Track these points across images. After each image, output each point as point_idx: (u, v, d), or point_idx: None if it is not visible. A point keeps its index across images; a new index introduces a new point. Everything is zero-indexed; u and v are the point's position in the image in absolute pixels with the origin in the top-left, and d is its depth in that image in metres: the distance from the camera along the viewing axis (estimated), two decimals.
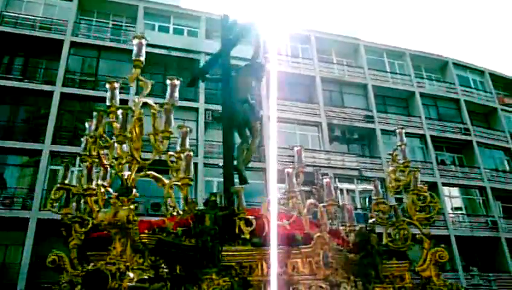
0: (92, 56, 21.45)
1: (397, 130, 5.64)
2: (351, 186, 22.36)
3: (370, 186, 23.61)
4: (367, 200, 21.55)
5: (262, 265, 4.07)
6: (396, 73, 27.07)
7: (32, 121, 19.55)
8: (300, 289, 3.84)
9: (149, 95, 18.25)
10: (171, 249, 3.79)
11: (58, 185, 4.73)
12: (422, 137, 25.17)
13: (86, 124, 4.99)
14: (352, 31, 27.30)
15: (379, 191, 5.15)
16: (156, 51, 21.61)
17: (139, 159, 3.96)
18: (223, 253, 3.93)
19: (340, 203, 5.37)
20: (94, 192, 4.14)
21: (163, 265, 3.63)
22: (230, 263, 3.93)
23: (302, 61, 24.79)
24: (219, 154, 21.07)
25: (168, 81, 4.51)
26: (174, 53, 21.95)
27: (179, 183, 4.22)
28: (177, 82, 4.57)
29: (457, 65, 28.99)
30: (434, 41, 66.30)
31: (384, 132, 24.20)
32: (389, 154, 5.51)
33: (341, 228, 4.95)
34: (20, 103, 19.69)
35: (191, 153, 4.63)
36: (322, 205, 4.57)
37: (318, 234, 4.10)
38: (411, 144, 25.34)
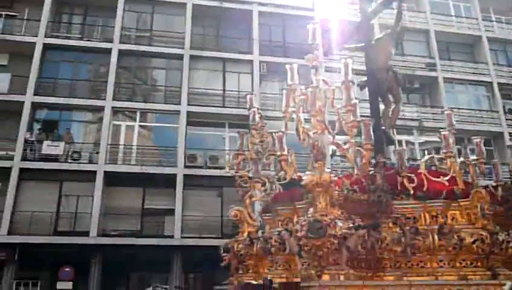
0: (146, 12, 21.60)
1: None
2: (410, 138, 21.65)
3: (431, 138, 22.64)
4: (426, 152, 20.82)
5: (425, 216, 4.72)
6: (461, 17, 25.22)
7: (93, 78, 20.29)
8: (464, 236, 4.35)
9: (203, 49, 17.97)
10: (352, 203, 4.62)
11: (236, 152, 5.76)
12: (488, 85, 23.63)
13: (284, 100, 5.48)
14: None
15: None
16: (208, 3, 21.43)
17: (328, 129, 4.67)
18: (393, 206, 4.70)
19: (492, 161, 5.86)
20: (286, 157, 5.01)
21: (353, 216, 4.40)
22: (398, 215, 4.64)
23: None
24: (274, 106, 21.01)
25: (344, 61, 5.04)
26: (226, 4, 21.62)
27: (361, 149, 4.75)
28: (351, 61, 5.13)
29: None
30: None
31: (447, 80, 22.96)
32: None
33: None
34: (81, 61, 20.38)
35: (369, 121, 5.12)
36: (473, 162, 5.06)
37: (476, 189, 4.70)
38: (476, 92, 23.95)
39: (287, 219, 5.00)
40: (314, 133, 4.51)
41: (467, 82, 23.28)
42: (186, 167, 18.38)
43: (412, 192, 4.68)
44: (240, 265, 5.18)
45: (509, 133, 22.24)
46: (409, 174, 4.70)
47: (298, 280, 4.12)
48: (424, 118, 21.72)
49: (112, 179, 17.90)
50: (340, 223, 4.02)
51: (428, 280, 4.23)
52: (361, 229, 4.17)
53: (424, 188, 4.66)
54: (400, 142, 21.10)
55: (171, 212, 17.86)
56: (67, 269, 15.71)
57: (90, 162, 18.22)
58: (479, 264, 4.37)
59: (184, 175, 18.20)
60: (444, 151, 4.81)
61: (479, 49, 24.60)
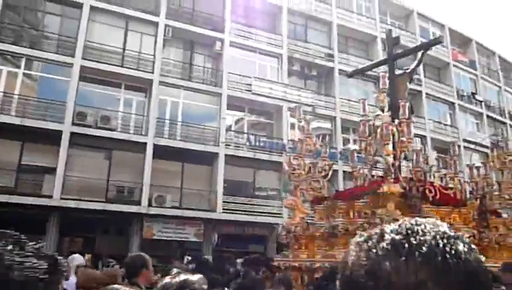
0: None
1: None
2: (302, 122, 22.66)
3: (323, 125, 23.87)
4: (320, 138, 21.96)
5: (436, 216, 6.21)
6: (362, 15, 26.84)
7: None
8: (463, 233, 6.23)
9: (105, 1, 16.62)
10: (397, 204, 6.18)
11: (296, 155, 7.50)
12: (377, 81, 25.55)
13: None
14: None
15: (487, 169, 7.63)
16: None
17: (396, 154, 6.82)
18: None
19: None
20: (357, 170, 7.47)
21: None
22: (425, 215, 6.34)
23: None
24: (176, 73, 20.53)
25: (401, 103, 6.96)
26: None
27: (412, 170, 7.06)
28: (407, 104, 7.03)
29: (421, 16, 29.18)
30: None
31: (342, 72, 24.34)
32: (492, 143, 7.91)
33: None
34: None
35: (420, 150, 7.79)
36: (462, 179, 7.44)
37: (471, 201, 6.88)
38: (365, 87, 25.81)
39: (345, 211, 6.61)
40: (386, 155, 6.31)
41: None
42: (74, 124, 17.22)
43: (430, 199, 6.49)
44: (295, 243, 6.81)
45: None
46: (430, 187, 6.52)
47: None
48: (317, 105, 22.89)
49: None
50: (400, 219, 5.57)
51: None
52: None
53: (437, 197, 6.54)
54: (292, 124, 22.04)
55: (52, 171, 16.68)
56: None
57: None
58: None
59: (71, 133, 17.05)
60: (453, 172, 7.13)
61: (373, 47, 26.47)
